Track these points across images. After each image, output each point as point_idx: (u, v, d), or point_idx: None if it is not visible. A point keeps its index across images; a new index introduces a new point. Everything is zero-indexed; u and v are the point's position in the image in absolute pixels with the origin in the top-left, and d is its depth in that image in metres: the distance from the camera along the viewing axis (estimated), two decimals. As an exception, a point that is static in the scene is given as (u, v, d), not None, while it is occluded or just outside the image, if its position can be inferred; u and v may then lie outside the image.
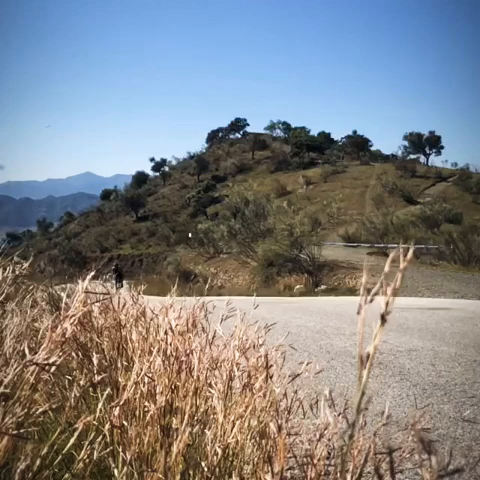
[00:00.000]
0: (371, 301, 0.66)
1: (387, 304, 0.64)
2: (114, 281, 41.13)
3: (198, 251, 39.66)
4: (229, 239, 31.44)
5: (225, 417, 1.34)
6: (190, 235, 44.14)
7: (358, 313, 0.67)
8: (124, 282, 39.46)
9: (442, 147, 75.45)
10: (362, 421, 1.42)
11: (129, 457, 1.30)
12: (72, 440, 1.15)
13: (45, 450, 1.13)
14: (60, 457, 1.16)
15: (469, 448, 2.63)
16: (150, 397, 1.45)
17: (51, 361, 1.02)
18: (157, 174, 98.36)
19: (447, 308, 8.29)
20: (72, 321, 1.07)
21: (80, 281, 1.21)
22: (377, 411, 3.21)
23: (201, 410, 1.52)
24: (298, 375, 1.79)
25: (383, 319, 0.65)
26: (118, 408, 1.31)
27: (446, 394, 3.47)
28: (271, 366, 1.73)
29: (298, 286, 18.88)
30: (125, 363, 1.91)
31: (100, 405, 1.30)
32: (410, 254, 0.64)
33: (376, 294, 0.66)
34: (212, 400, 1.46)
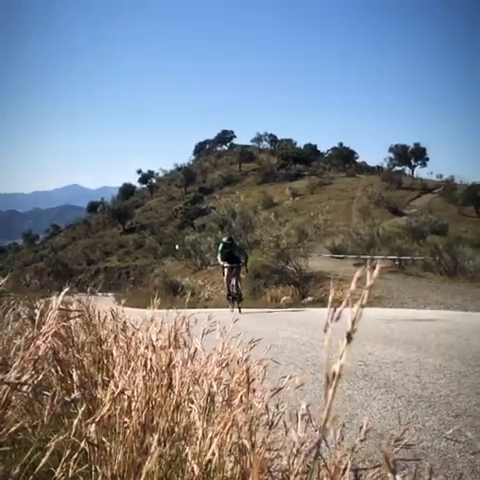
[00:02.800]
0: (338, 319, 0.66)
1: (353, 322, 0.64)
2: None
3: (185, 263, 39.50)
4: (216, 251, 31.38)
5: (204, 433, 1.33)
6: (177, 247, 44.01)
7: (325, 331, 0.66)
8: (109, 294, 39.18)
9: (427, 159, 76.10)
10: (339, 436, 1.41)
11: (109, 474, 1.28)
12: (44, 459, 1.13)
13: (17, 470, 1.11)
14: (32, 477, 1.14)
15: (453, 461, 2.63)
16: (129, 413, 1.44)
17: (23, 379, 1.01)
18: (144, 186, 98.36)
19: (433, 319, 8.32)
20: (44, 339, 1.05)
21: (54, 297, 1.20)
22: (362, 424, 3.20)
23: (181, 426, 1.50)
24: (280, 389, 1.79)
25: (349, 337, 0.64)
26: (95, 424, 1.30)
27: (431, 406, 3.47)
28: (253, 380, 1.72)
29: (285, 298, 18.87)
30: (106, 378, 1.89)
31: (76, 422, 1.28)
32: (376, 272, 0.63)
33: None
34: (192, 416, 1.45)
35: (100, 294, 45.36)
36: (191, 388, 1.57)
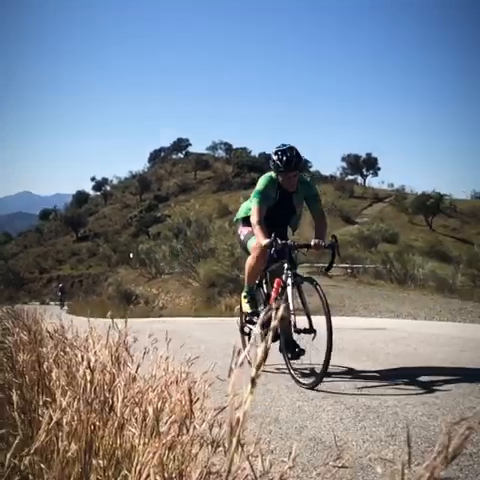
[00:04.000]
0: (241, 364, 0.65)
1: (258, 367, 0.64)
2: (59, 301, 40.06)
3: (139, 272, 39.15)
4: (171, 259, 31.27)
5: (143, 457, 1.31)
6: (131, 255, 43.60)
7: (229, 376, 0.66)
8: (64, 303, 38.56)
9: (379, 168, 77.89)
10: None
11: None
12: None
13: None
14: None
15: (399, 473, 2.67)
16: (69, 438, 1.40)
17: None
18: (98, 193, 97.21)
19: (382, 328, 8.47)
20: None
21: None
22: (311, 436, 3.22)
23: (123, 449, 1.47)
24: (224, 408, 1.77)
25: (253, 382, 0.64)
26: (32, 453, 1.26)
27: (378, 417, 3.52)
28: (197, 400, 1.71)
29: (239, 306, 18.88)
30: (48, 399, 1.84)
31: (9, 455, 1.24)
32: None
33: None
34: (133, 439, 1.42)
35: (52, 303, 44.38)
36: (134, 409, 1.54)
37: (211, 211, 50.64)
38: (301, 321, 4.59)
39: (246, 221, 5.23)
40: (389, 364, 5.34)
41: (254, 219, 4.88)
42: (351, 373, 5.00)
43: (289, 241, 4.85)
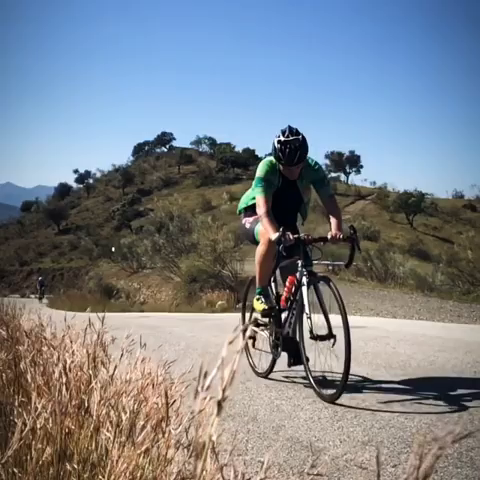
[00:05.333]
0: (208, 388, 0.65)
1: (224, 390, 0.63)
2: (38, 294, 39.75)
3: (121, 266, 38.97)
4: (153, 254, 31.20)
5: (117, 462, 1.30)
6: (113, 249, 43.37)
7: (194, 398, 0.66)
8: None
9: (361, 166, 78.40)
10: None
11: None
12: None
13: None
14: None
15: (374, 473, 2.69)
16: (43, 442, 1.39)
17: None
18: (81, 186, 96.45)
19: (362, 326, 8.51)
20: None
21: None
22: (288, 435, 3.23)
23: (96, 454, 1.46)
24: (201, 411, 1.76)
25: (220, 406, 0.63)
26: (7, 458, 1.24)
27: (356, 417, 3.54)
28: (174, 402, 1.70)
29: (220, 302, 18.90)
30: (24, 399, 1.82)
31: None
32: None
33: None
34: (108, 443, 1.41)
35: (33, 296, 43.99)
36: (110, 412, 1.53)
37: (194, 206, 50.65)
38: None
39: (250, 210, 4.77)
40: (367, 363, 5.37)
41: (261, 210, 4.34)
42: (331, 373, 5.02)
43: (302, 234, 4.28)
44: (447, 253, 21.90)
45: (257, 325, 4.76)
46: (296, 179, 4.55)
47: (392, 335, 7.45)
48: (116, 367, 1.80)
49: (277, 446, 3.07)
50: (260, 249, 4.51)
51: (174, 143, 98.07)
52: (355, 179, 77.11)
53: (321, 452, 2.95)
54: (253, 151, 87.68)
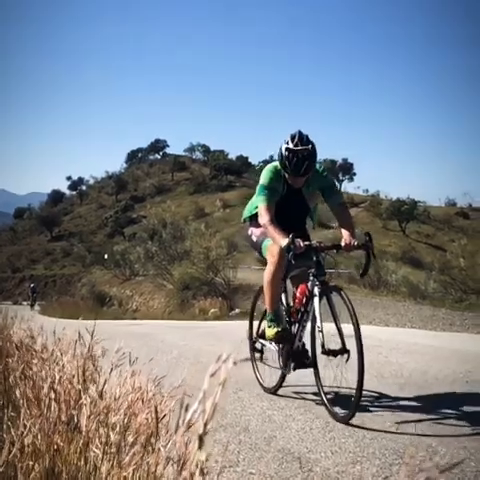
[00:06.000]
0: (190, 422, 0.65)
1: (205, 424, 0.63)
2: (30, 301, 39.56)
3: (114, 273, 38.85)
4: (145, 261, 31.14)
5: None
6: (106, 256, 43.27)
7: (175, 431, 0.65)
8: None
9: (355, 174, 78.71)
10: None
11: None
12: None
13: None
14: None
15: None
16: (32, 459, 1.38)
17: None
18: (74, 193, 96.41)
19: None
20: None
21: None
22: (280, 447, 3.22)
23: (85, 471, 1.45)
24: (191, 426, 1.75)
25: (201, 440, 0.63)
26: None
27: (347, 428, 3.53)
28: (164, 416, 1.69)
29: (213, 310, 18.88)
30: (13, 414, 1.81)
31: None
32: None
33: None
34: (97, 460, 1.40)
35: (25, 303, 43.76)
36: (100, 428, 1.52)
37: (187, 213, 50.69)
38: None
39: (255, 219, 4.43)
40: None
41: (264, 219, 4.10)
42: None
43: (314, 241, 4.08)
44: (439, 261, 21.94)
45: (263, 337, 4.57)
46: (301, 186, 4.31)
47: (385, 344, 7.44)
48: (106, 382, 1.79)
49: (268, 458, 3.06)
50: (268, 270, 4.29)
51: (167, 150, 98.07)
52: (348, 186, 77.21)
53: (312, 464, 2.95)
54: (246, 158, 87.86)
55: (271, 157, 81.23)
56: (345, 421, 3.59)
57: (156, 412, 1.52)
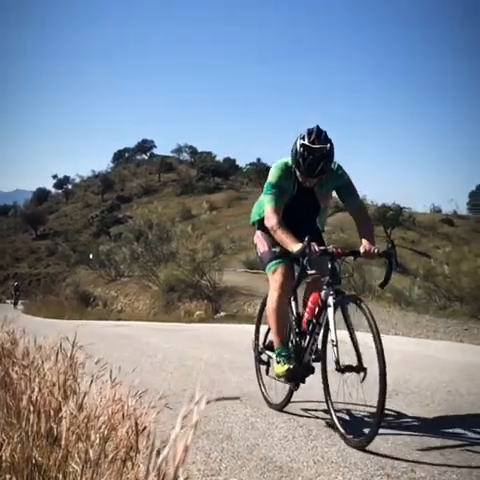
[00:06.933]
0: (160, 466, 0.63)
1: (176, 468, 0.61)
2: (13, 299, 39.26)
3: (99, 273, 38.64)
4: (131, 262, 31.01)
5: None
6: (91, 256, 43.04)
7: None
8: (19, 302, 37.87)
9: (341, 179, 78.97)
10: None
11: None
12: None
13: None
14: None
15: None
16: (9, 473, 1.35)
17: None
18: (59, 191, 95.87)
19: (342, 341, 8.51)
20: None
21: None
22: (262, 455, 3.20)
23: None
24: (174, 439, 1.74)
25: None
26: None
27: (330, 436, 3.53)
28: (145, 428, 1.67)
29: (198, 312, 18.86)
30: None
31: None
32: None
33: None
34: (76, 475, 1.38)
35: (8, 301, 43.39)
36: (79, 441, 1.50)
37: (174, 214, 50.59)
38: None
39: (264, 225, 4.02)
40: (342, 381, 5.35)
41: (271, 222, 3.77)
42: (310, 389, 4.98)
43: (330, 246, 3.73)
44: (424, 267, 22.06)
45: (270, 348, 4.26)
46: (313, 186, 3.92)
47: (368, 351, 7.43)
48: (86, 394, 1.77)
49: (251, 466, 3.04)
50: (272, 297, 3.95)
51: (155, 151, 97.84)
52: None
53: (295, 473, 2.94)
54: (234, 161, 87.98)
55: (258, 160, 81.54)
56: (361, 447, 3.25)
57: (136, 426, 1.50)
